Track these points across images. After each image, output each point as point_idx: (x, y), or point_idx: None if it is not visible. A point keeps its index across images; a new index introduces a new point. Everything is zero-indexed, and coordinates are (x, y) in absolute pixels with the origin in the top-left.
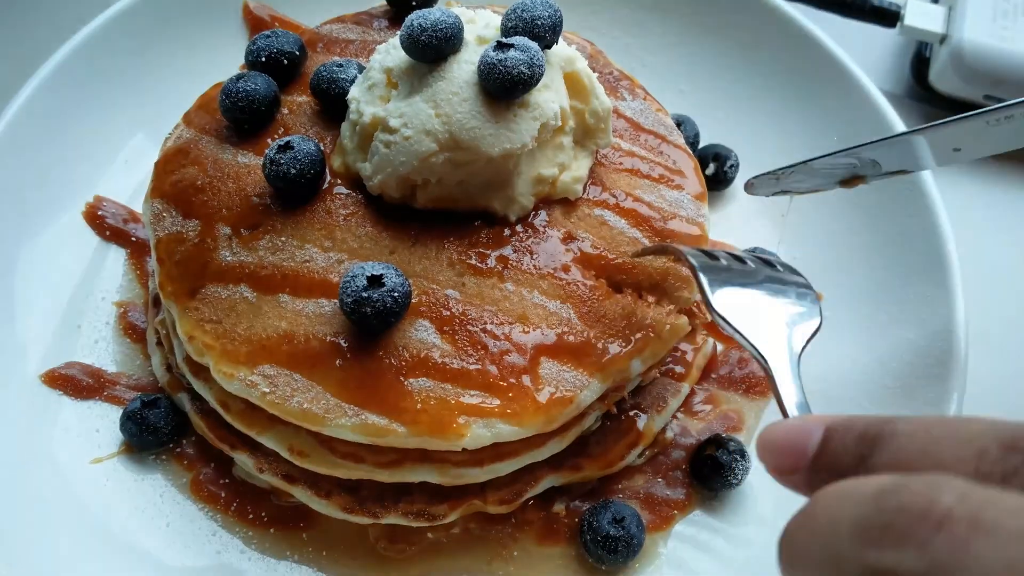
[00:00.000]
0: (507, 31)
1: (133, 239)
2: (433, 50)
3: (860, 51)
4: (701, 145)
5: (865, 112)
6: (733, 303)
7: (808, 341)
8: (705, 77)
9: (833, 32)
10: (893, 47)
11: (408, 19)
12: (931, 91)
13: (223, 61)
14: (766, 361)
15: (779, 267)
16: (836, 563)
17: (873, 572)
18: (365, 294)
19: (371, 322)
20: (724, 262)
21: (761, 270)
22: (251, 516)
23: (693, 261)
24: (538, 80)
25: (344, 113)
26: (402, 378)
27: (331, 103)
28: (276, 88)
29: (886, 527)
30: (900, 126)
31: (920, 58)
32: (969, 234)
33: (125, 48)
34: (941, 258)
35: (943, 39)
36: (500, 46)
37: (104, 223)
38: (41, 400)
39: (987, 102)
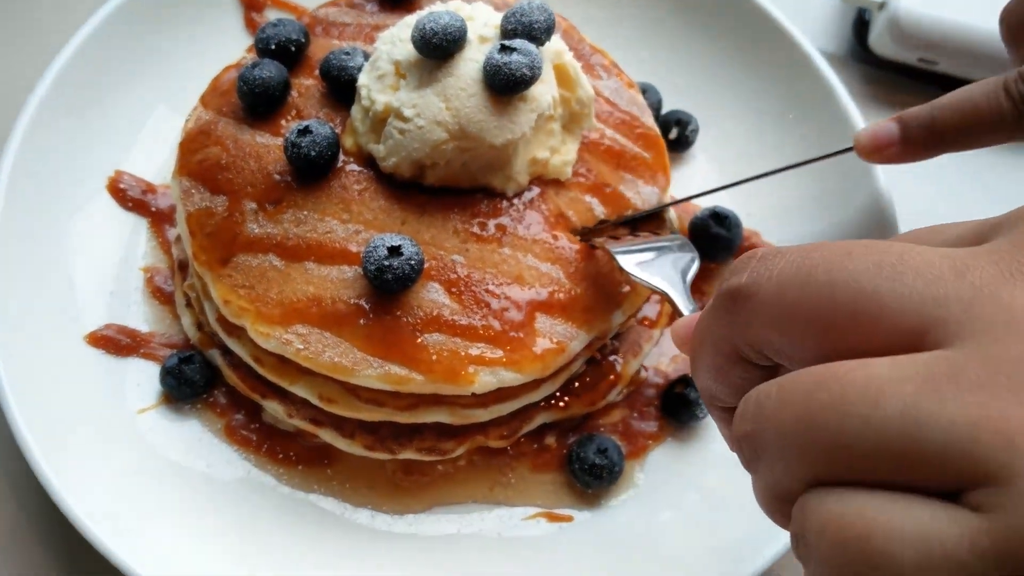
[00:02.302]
0: (507, 33)
1: (153, 209)
2: (442, 50)
3: (807, 15)
4: (664, 111)
5: (810, 81)
6: (638, 263)
7: (694, 273)
8: (667, 46)
9: None
10: (837, 12)
11: (419, 21)
12: (871, 53)
13: (223, 37)
14: (664, 292)
15: (666, 234)
16: (711, 316)
17: (726, 292)
18: (386, 262)
19: (391, 286)
20: (630, 239)
21: (653, 240)
22: (280, 456)
23: (609, 248)
24: (537, 79)
25: (351, 97)
26: (418, 333)
27: (339, 88)
28: (287, 74)
29: (731, 272)
30: (845, 97)
31: (861, 22)
32: (909, 202)
33: (133, 32)
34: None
35: (881, 6)
36: (503, 49)
37: (126, 195)
38: (86, 359)
39: (921, 65)
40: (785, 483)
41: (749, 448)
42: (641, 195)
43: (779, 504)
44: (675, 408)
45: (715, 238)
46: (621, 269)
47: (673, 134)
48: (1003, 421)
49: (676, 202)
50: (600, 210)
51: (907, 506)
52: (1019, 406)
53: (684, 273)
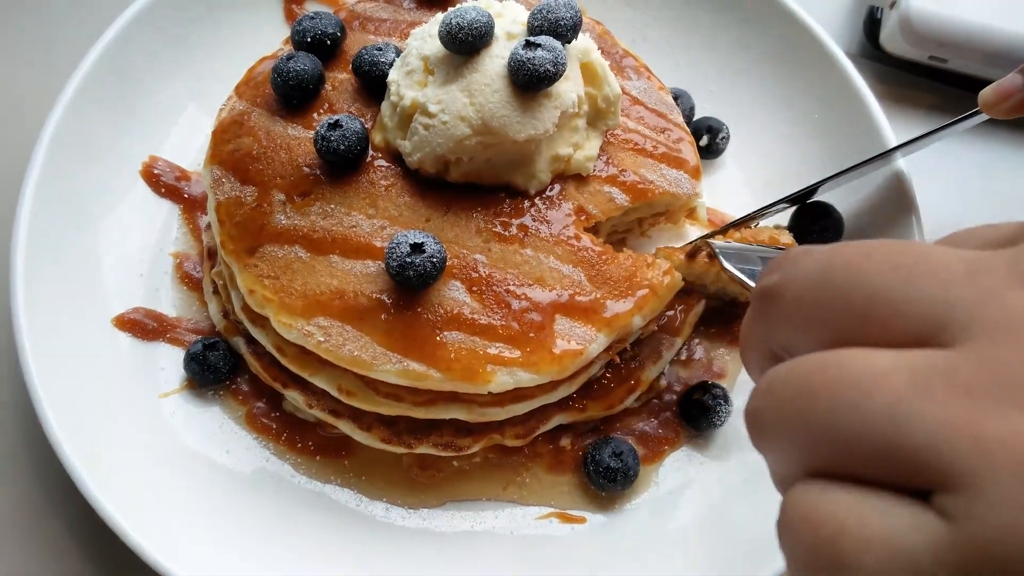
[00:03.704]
0: (533, 30)
1: (185, 195)
2: (468, 45)
3: (819, 14)
4: (695, 118)
5: (843, 93)
6: (738, 264)
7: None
8: (700, 52)
9: None
10: (848, 10)
11: (446, 16)
12: (882, 51)
13: (262, 33)
14: None
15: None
16: (749, 316)
17: (759, 292)
18: (408, 259)
19: (413, 283)
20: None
21: (758, 247)
22: (299, 445)
23: (712, 243)
24: (561, 76)
25: (383, 92)
26: (438, 331)
27: (371, 83)
28: (321, 67)
29: (765, 272)
30: (875, 107)
31: (872, 20)
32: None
33: (172, 24)
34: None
35: (893, 3)
36: (528, 45)
37: (159, 180)
38: (112, 341)
39: (931, 62)
40: (782, 468)
41: (754, 426)
42: (667, 177)
43: (785, 490)
44: (693, 414)
45: (823, 229)
46: (723, 267)
47: (704, 141)
48: (979, 428)
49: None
50: (622, 199)
51: (880, 507)
52: (1000, 416)
53: None
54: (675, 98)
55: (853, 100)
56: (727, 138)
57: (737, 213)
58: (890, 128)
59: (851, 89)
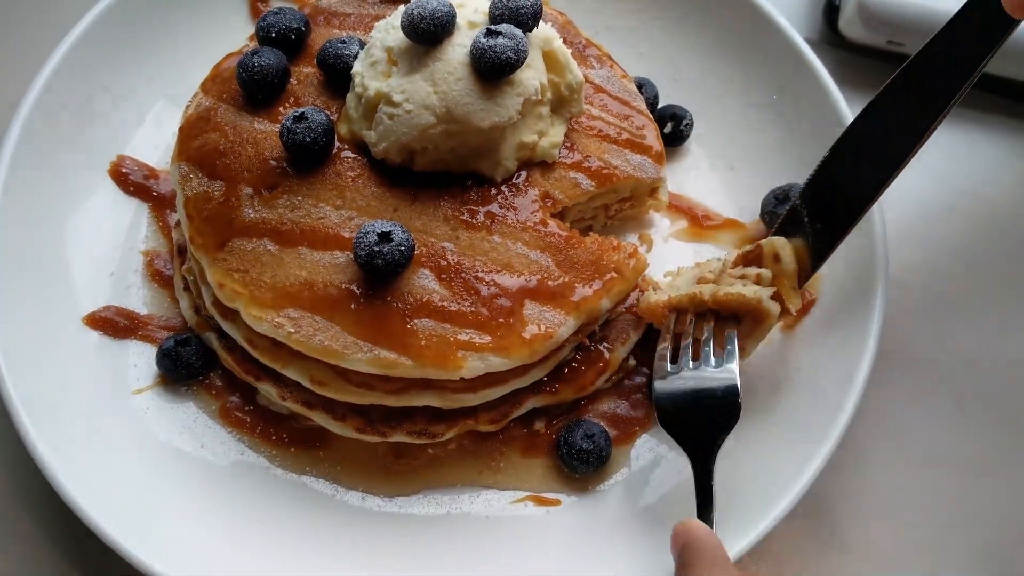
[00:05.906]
0: (494, 18)
1: (154, 193)
2: (431, 35)
3: (780, 1)
4: (660, 105)
5: (804, 78)
6: (675, 406)
7: (725, 436)
8: (663, 41)
9: None
10: None
11: (408, 7)
12: (841, 37)
13: (227, 30)
14: (695, 475)
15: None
16: None
17: None
18: (376, 248)
19: (381, 272)
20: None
21: (703, 371)
22: (274, 438)
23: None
24: (522, 63)
25: (348, 85)
26: (408, 319)
27: (336, 76)
28: (286, 62)
29: None
30: (835, 91)
31: (831, 7)
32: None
33: (136, 20)
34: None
35: None
36: (490, 33)
37: (128, 179)
38: (84, 340)
39: (890, 47)
40: None
41: None
42: (631, 163)
43: None
44: None
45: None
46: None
47: (668, 128)
48: None
49: None
50: (587, 184)
51: None
52: None
53: (718, 438)
54: (639, 87)
55: (813, 85)
56: (691, 124)
57: (702, 197)
58: (849, 112)
59: (811, 74)
